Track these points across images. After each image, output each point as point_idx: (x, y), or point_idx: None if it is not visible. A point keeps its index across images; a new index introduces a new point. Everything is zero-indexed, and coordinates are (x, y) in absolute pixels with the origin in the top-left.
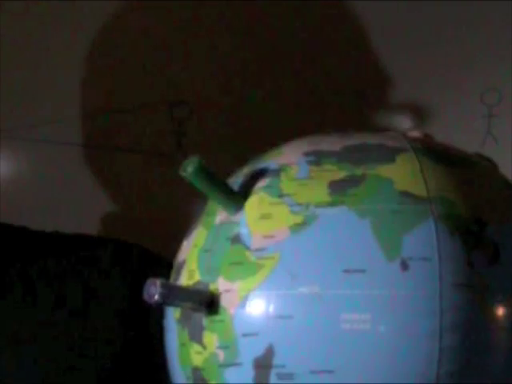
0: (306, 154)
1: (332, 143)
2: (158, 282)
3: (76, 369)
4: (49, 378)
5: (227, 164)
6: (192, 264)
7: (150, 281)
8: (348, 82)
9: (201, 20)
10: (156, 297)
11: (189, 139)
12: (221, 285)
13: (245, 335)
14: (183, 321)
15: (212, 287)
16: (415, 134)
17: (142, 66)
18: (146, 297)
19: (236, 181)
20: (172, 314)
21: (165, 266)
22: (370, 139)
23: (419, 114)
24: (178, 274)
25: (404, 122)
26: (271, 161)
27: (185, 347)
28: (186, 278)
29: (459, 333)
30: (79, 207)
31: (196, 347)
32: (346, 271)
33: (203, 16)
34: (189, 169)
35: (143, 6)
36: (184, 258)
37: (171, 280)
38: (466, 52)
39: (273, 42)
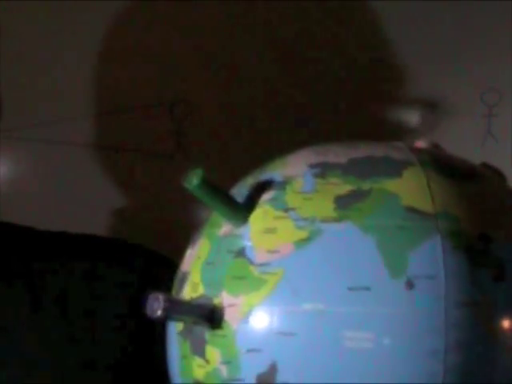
0: (312, 166)
1: (338, 154)
2: (161, 296)
3: (82, 369)
4: (49, 381)
5: (227, 164)
6: (196, 276)
7: (152, 295)
8: (348, 80)
9: (201, 20)
10: (159, 312)
11: (189, 139)
12: (224, 299)
13: (248, 351)
14: (185, 333)
15: (216, 301)
16: (423, 144)
17: (142, 66)
18: (148, 312)
19: (240, 192)
20: (174, 326)
21: (170, 266)
22: (377, 151)
23: (430, 110)
24: (182, 285)
25: (413, 118)
26: (276, 172)
27: (186, 360)
28: (190, 290)
29: (464, 351)
30: (79, 207)
31: (198, 361)
32: (351, 289)
33: (204, 16)
34: (194, 181)
35: (144, 6)
36: (187, 269)
37: (175, 289)
38: (466, 52)
39: (274, 41)
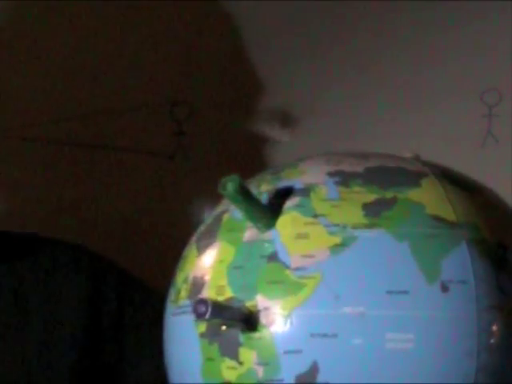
0: (331, 175)
1: (352, 164)
2: (209, 301)
3: (38, 372)
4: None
5: (227, 164)
6: (220, 280)
7: (199, 300)
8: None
9: (201, 20)
10: (207, 315)
11: (189, 139)
12: (259, 302)
13: (287, 352)
14: (211, 336)
15: (249, 304)
16: (407, 154)
17: (142, 66)
18: (195, 315)
19: (260, 198)
20: (193, 329)
21: (113, 265)
22: (388, 162)
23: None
24: (198, 288)
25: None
26: (294, 179)
27: (213, 362)
28: (214, 293)
29: (494, 352)
30: (78, 207)
31: (229, 363)
32: (390, 292)
33: (204, 16)
34: (229, 187)
35: (143, 6)
36: (203, 272)
37: (183, 292)
38: (466, 52)
39: (273, 41)
